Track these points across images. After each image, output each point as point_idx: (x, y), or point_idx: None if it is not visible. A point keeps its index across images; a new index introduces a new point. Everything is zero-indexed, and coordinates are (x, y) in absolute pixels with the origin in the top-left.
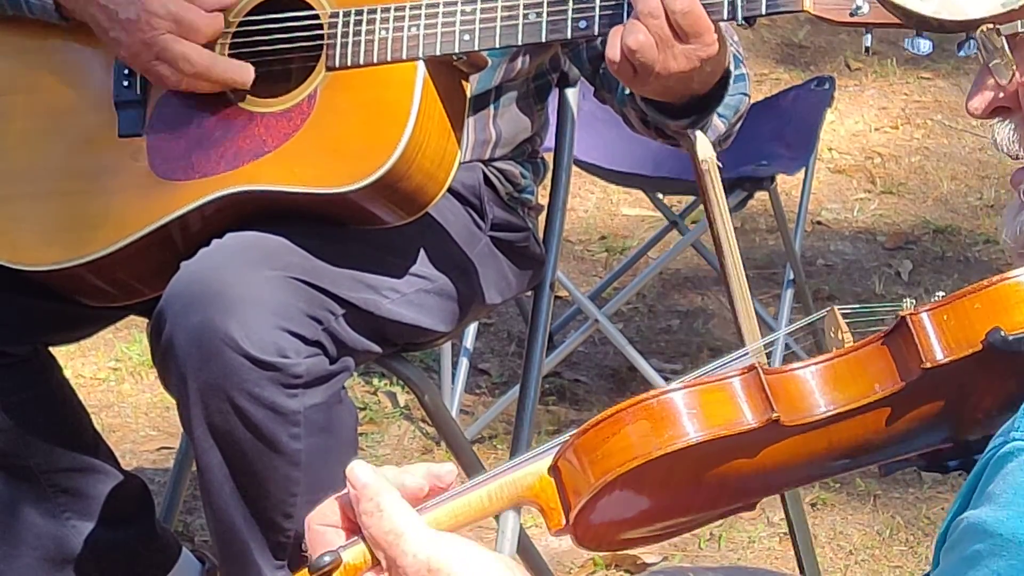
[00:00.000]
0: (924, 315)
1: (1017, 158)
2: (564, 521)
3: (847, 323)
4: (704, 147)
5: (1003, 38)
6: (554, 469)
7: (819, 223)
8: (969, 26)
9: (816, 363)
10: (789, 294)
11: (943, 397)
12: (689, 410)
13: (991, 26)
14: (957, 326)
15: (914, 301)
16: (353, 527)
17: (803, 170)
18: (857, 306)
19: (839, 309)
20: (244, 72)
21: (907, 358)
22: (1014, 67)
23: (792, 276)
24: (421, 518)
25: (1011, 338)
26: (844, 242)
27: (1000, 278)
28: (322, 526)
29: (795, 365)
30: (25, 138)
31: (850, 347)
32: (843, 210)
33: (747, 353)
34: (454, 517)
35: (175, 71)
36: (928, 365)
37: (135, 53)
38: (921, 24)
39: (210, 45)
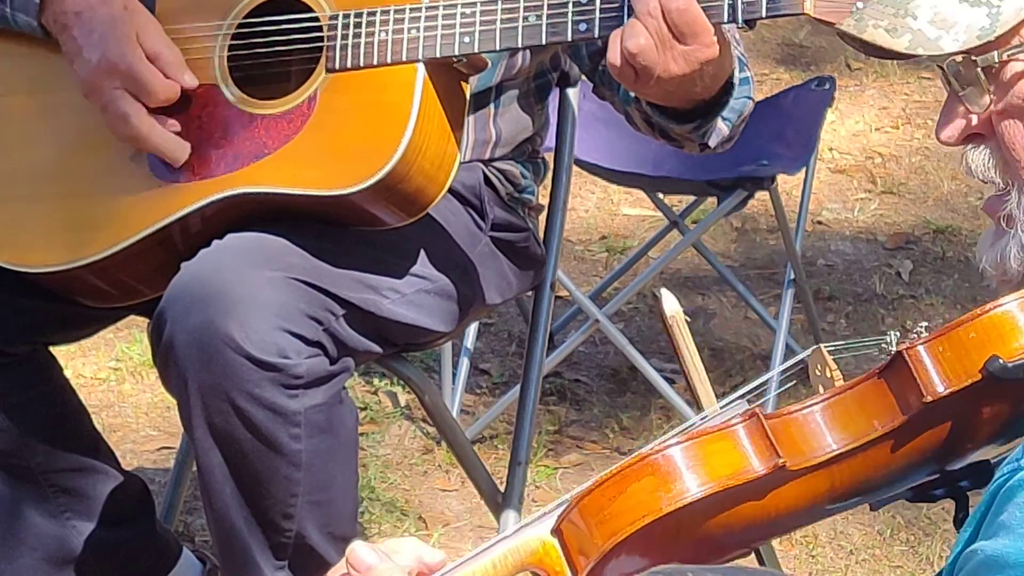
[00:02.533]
0: (920, 348)
1: (993, 184)
2: None
3: (834, 360)
4: (670, 303)
5: (979, 69)
6: (557, 532)
7: (820, 223)
8: (943, 59)
9: (814, 404)
10: (789, 294)
11: (941, 430)
12: (695, 463)
13: (963, 56)
14: (954, 357)
15: (897, 334)
16: None
17: (804, 170)
18: (841, 343)
19: (825, 347)
20: (179, 150)
21: (906, 393)
22: (991, 95)
23: (792, 276)
24: None
25: (1010, 365)
26: (845, 242)
27: (992, 306)
28: None
29: (793, 407)
30: (25, 140)
31: (846, 385)
32: (844, 210)
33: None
34: None
35: (115, 126)
36: (929, 399)
37: (88, 92)
38: (897, 57)
39: (206, 59)
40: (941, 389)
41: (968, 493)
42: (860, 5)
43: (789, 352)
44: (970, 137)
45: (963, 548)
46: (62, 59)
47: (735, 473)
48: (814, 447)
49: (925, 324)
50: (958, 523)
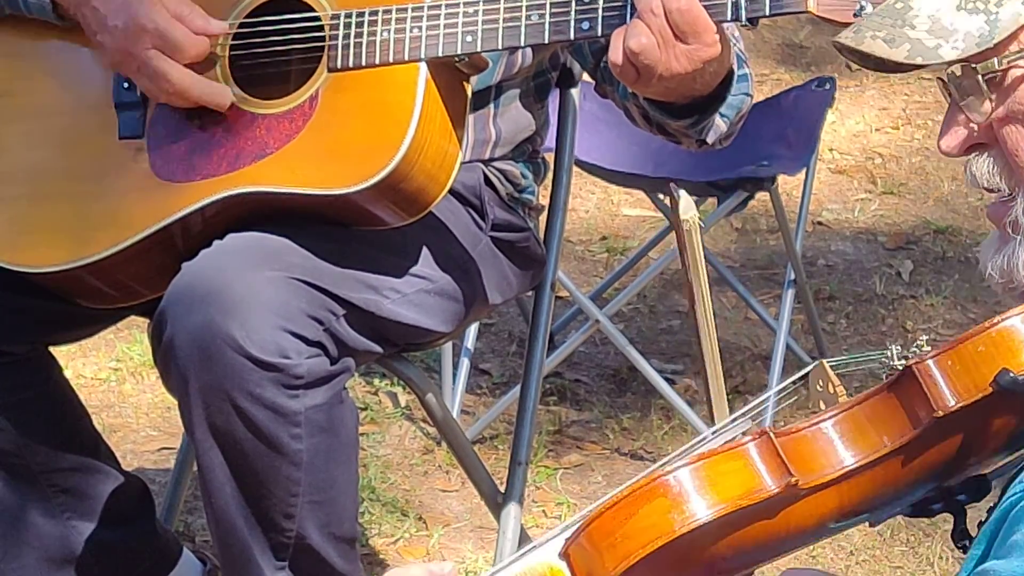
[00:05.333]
0: (930, 362)
1: (997, 191)
2: None
3: (837, 375)
4: (687, 206)
5: (979, 76)
6: (565, 556)
7: (820, 223)
8: (942, 68)
9: (823, 420)
10: (790, 294)
11: (949, 445)
12: (707, 483)
13: (963, 65)
14: (963, 371)
15: (898, 348)
16: None
17: (804, 170)
18: (843, 358)
19: (828, 362)
20: (222, 95)
21: (917, 408)
22: (991, 102)
23: (793, 276)
24: None
25: (1021, 379)
26: (845, 242)
27: (1000, 318)
28: None
29: (802, 424)
30: (25, 140)
31: (853, 401)
32: (844, 210)
33: (712, 433)
34: None
35: (154, 86)
36: (940, 413)
37: (119, 61)
38: (896, 68)
39: (210, 58)
40: (952, 403)
41: (966, 507)
42: (863, 4)
43: (789, 352)
44: (973, 147)
45: (975, 565)
46: (61, 58)
47: (748, 492)
48: (824, 464)
49: (925, 339)
50: (956, 537)
